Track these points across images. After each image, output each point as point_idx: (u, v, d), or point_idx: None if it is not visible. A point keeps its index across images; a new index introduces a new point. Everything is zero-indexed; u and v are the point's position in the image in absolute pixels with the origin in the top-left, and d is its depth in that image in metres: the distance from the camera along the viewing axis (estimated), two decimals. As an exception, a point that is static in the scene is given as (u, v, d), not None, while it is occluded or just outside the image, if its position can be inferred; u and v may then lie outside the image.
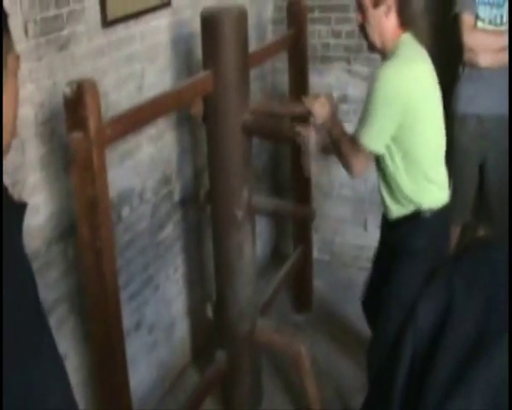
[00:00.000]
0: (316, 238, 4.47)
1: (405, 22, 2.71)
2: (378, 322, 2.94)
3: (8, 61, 1.14)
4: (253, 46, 3.34)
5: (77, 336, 2.75)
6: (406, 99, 2.59)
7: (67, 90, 2.07)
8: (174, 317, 3.54)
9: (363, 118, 2.66)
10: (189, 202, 3.48)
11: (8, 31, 1.14)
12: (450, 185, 3.83)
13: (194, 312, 3.68)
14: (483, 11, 3.53)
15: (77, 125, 2.09)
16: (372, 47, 2.79)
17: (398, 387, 1.01)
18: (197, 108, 2.85)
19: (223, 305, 3.15)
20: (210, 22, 2.72)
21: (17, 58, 1.17)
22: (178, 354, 3.62)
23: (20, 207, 1.15)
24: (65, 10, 2.48)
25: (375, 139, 2.65)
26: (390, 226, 2.91)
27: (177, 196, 3.42)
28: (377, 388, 1.12)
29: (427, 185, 2.78)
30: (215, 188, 2.98)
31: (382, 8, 2.64)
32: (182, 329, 3.63)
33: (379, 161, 2.78)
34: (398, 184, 2.75)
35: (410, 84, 2.61)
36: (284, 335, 3.17)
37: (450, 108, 3.67)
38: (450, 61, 3.78)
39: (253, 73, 3.84)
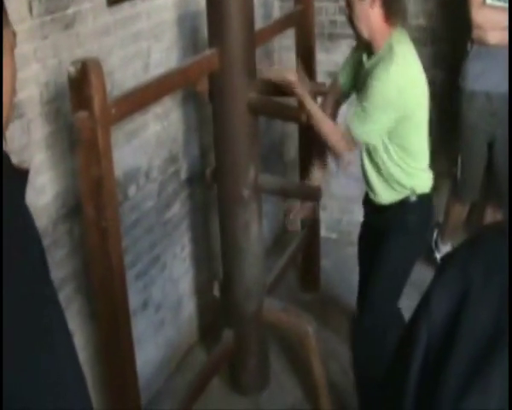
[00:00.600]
0: (323, 217, 4.46)
1: (395, 17, 2.68)
2: (370, 298, 3.03)
3: (5, 36, 1.12)
4: (259, 23, 3.32)
5: (83, 314, 2.75)
6: (405, 103, 2.67)
7: (72, 70, 2.05)
8: (181, 296, 3.54)
9: (360, 111, 2.69)
10: (195, 180, 3.47)
11: (2, 5, 1.12)
12: (458, 163, 3.83)
13: (201, 291, 3.68)
14: None
15: (82, 104, 2.07)
16: (360, 38, 2.78)
17: (411, 381, 0.97)
18: (203, 86, 2.83)
19: (229, 284, 3.15)
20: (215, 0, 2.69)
21: (13, 34, 1.16)
22: (185, 333, 3.62)
23: (23, 174, 1.14)
24: (70, -12, 2.46)
25: (368, 134, 2.73)
26: (379, 210, 2.98)
27: (183, 175, 3.41)
28: (390, 381, 1.08)
29: (420, 173, 2.91)
30: (221, 167, 2.97)
31: (367, 1, 2.63)
32: (189, 308, 3.63)
33: (371, 152, 2.83)
34: (392, 174, 2.82)
35: (410, 90, 2.70)
36: (291, 315, 3.16)
37: (458, 85, 3.68)
38: (458, 37, 3.75)
39: (260, 50, 3.82)
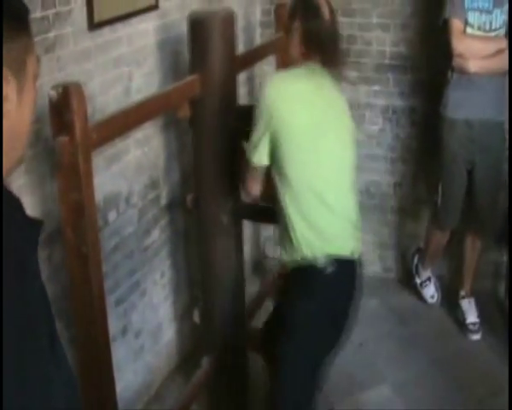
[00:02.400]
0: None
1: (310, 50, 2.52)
2: None
3: (28, 64, 1.10)
4: (241, 49, 3.33)
5: (62, 339, 2.71)
6: (272, 112, 2.43)
7: (53, 94, 2.04)
8: (161, 322, 3.52)
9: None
10: (176, 206, 3.46)
11: (28, 29, 1.10)
12: (438, 190, 3.84)
13: (182, 317, 3.66)
14: (472, 17, 3.54)
15: (62, 129, 2.06)
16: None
17: None
18: (184, 112, 2.83)
19: (209, 311, 3.13)
20: (197, 25, 2.70)
21: (38, 59, 1.14)
22: (165, 359, 3.60)
23: (36, 224, 1.12)
24: (51, 12, 2.45)
25: (254, 153, 2.51)
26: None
27: (164, 201, 3.40)
28: None
29: (311, 228, 2.51)
30: (201, 192, 2.96)
31: (293, 36, 2.55)
32: (168, 334, 3.61)
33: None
34: (283, 221, 2.56)
35: (278, 101, 2.44)
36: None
37: (439, 113, 3.71)
38: (438, 65, 3.78)
39: (242, 76, 3.84)
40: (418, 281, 4.26)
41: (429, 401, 3.44)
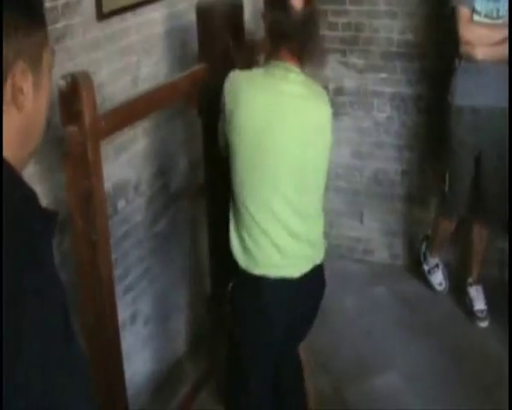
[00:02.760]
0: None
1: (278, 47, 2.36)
2: None
3: (44, 58, 1.12)
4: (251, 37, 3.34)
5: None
6: (226, 101, 2.38)
7: (62, 83, 2.06)
8: (170, 309, 3.55)
9: None
10: (184, 194, 3.48)
11: (44, 23, 1.11)
12: (446, 178, 3.85)
13: (191, 304, 3.69)
14: (480, 4, 3.52)
15: (71, 118, 2.09)
16: None
17: None
18: (193, 101, 2.84)
19: (218, 298, 3.15)
20: (205, 14, 2.72)
21: (52, 52, 1.15)
22: (174, 346, 3.63)
23: (51, 216, 1.12)
24: (60, 2, 2.47)
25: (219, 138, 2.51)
26: None
27: (172, 189, 3.42)
28: None
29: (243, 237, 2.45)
30: (210, 180, 2.98)
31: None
32: (178, 321, 3.64)
33: None
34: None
35: (230, 89, 2.38)
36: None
37: (446, 101, 3.71)
38: (445, 53, 3.78)
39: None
40: (426, 268, 4.27)
41: (436, 388, 3.46)
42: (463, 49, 3.55)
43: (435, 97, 4.02)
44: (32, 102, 1.09)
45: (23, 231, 1.02)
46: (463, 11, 3.51)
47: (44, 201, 2.52)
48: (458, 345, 3.78)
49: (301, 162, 2.35)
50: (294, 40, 2.31)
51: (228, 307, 2.56)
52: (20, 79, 1.06)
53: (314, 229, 2.49)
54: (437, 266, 4.27)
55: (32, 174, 2.45)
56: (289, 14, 2.27)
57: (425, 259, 4.29)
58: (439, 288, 4.26)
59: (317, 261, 2.52)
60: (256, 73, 2.39)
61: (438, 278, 4.26)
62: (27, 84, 1.07)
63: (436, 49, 4.01)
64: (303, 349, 3.05)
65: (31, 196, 1.08)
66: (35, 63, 1.09)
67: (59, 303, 1.06)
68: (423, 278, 4.31)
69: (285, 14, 2.28)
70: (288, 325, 2.56)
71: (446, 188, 3.89)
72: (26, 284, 0.98)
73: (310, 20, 2.32)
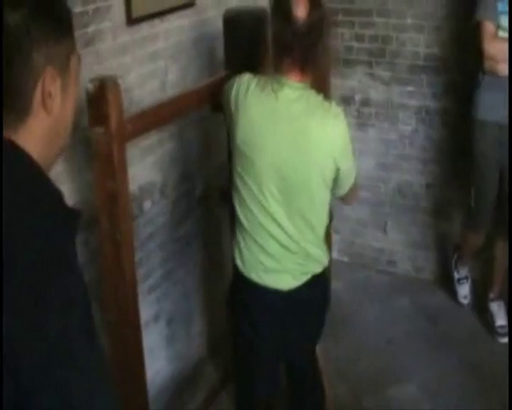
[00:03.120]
0: (336, 239, 4.52)
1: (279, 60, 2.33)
2: None
3: (72, 63, 1.19)
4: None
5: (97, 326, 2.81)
6: (229, 101, 2.41)
7: (90, 87, 2.14)
8: (193, 311, 3.60)
9: None
10: (209, 198, 3.54)
11: (71, 31, 1.20)
12: (471, 193, 3.85)
13: (213, 307, 3.73)
14: (504, 20, 3.51)
15: (99, 120, 2.16)
16: None
17: None
18: (219, 107, 2.88)
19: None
20: (231, 23, 2.78)
21: (79, 58, 1.23)
22: (196, 347, 3.68)
23: (75, 215, 1.19)
24: (91, 8, 2.55)
25: None
26: None
27: (197, 193, 3.48)
28: None
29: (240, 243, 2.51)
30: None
31: None
32: (200, 323, 3.69)
33: None
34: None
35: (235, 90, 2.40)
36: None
37: (470, 115, 3.72)
38: (470, 68, 3.80)
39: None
40: (456, 276, 4.26)
41: (454, 401, 3.47)
42: (487, 64, 3.55)
43: (460, 111, 4.03)
44: (59, 105, 1.17)
45: (48, 230, 1.08)
46: (488, 26, 3.51)
47: (72, 199, 2.60)
48: (478, 360, 3.77)
49: (288, 183, 2.31)
50: (296, 51, 2.24)
51: (227, 308, 2.60)
52: (50, 83, 1.14)
53: (307, 241, 2.43)
54: (466, 278, 4.26)
55: (60, 173, 2.53)
56: (292, 24, 2.19)
57: (456, 267, 4.28)
58: (463, 301, 4.25)
59: (314, 273, 2.50)
60: (257, 84, 2.34)
61: (464, 291, 4.25)
62: (55, 89, 1.15)
63: (462, 63, 4.03)
64: (321, 357, 3.08)
65: (57, 195, 1.15)
66: (63, 69, 1.17)
67: (83, 303, 1.11)
68: (446, 292, 4.32)
69: (288, 24, 2.20)
70: (280, 338, 2.57)
71: (472, 202, 3.88)
72: (52, 284, 1.04)
73: (315, 28, 2.22)
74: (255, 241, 2.40)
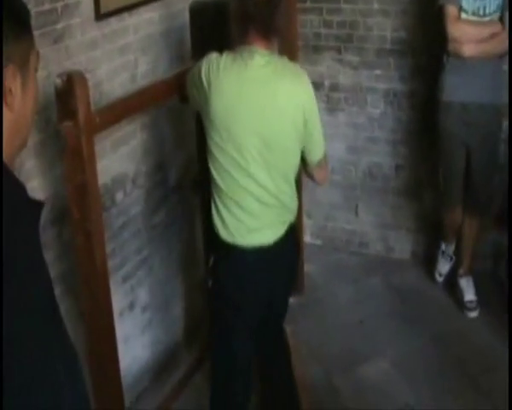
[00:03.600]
0: (308, 223, 4.61)
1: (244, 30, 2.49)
2: None
3: (31, 60, 1.24)
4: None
5: (71, 315, 2.87)
6: (200, 79, 2.48)
7: (58, 81, 2.20)
8: (168, 298, 3.67)
9: None
10: (182, 187, 3.60)
11: (30, 29, 1.24)
12: (440, 173, 3.96)
13: (189, 293, 3.81)
14: (466, 3, 3.61)
15: (67, 114, 2.22)
16: None
17: None
18: (186, 98, 2.95)
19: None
20: (197, 14, 2.84)
21: (37, 54, 1.28)
22: (172, 334, 3.74)
23: (37, 205, 1.24)
24: (59, 4, 2.60)
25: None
26: None
27: (170, 182, 3.55)
28: None
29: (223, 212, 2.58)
30: (203, 173, 3.10)
31: None
32: (176, 310, 3.76)
33: None
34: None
35: (208, 74, 2.47)
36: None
37: (435, 97, 3.82)
38: (436, 50, 3.88)
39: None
40: (442, 249, 4.32)
41: (425, 376, 3.58)
42: (451, 46, 3.63)
43: (427, 93, 4.12)
44: (20, 101, 1.22)
45: (13, 220, 1.13)
46: (451, 9, 3.60)
47: (44, 193, 2.66)
48: (448, 334, 3.89)
49: (267, 142, 2.45)
50: (258, 20, 2.41)
51: (210, 282, 2.67)
52: (10, 81, 1.18)
53: (284, 194, 2.59)
54: (451, 257, 4.33)
55: (32, 168, 2.59)
56: None
57: (441, 243, 4.34)
58: (438, 278, 4.38)
59: (290, 222, 2.66)
60: (226, 58, 2.46)
61: (444, 268, 4.35)
62: (16, 86, 1.20)
63: (428, 46, 4.11)
64: (289, 336, 3.17)
65: (20, 187, 1.20)
66: (23, 66, 1.21)
67: (46, 286, 1.18)
68: (418, 271, 4.44)
69: None
70: (268, 294, 2.70)
71: (441, 181, 4.02)
72: (16, 267, 1.10)
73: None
74: (236, 203, 2.52)
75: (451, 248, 4.31)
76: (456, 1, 3.61)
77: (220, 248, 2.61)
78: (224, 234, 2.56)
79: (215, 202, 2.57)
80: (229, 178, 2.49)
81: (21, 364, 1.07)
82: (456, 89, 3.72)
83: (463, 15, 3.64)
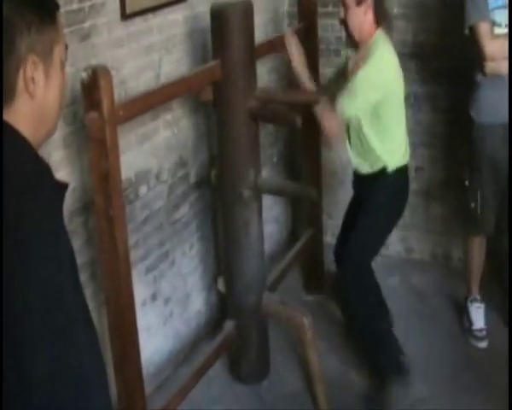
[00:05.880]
0: (330, 224, 4.69)
1: (381, 20, 3.21)
2: (343, 263, 3.49)
3: (55, 51, 1.31)
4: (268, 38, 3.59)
5: (96, 301, 3.00)
6: (386, 85, 3.19)
7: (84, 75, 2.33)
8: (189, 291, 3.79)
9: (348, 92, 3.13)
10: (204, 183, 3.71)
11: (56, 23, 1.31)
12: (477, 197, 3.69)
13: (209, 287, 3.92)
14: (499, 15, 3.38)
15: (92, 106, 2.35)
16: (350, 38, 3.24)
17: None
18: (207, 95, 3.09)
19: (231, 279, 3.39)
20: (218, 15, 2.98)
21: (65, 48, 1.35)
22: (193, 326, 3.86)
23: (62, 187, 1.31)
24: (87, 4, 2.74)
25: (355, 109, 3.18)
26: (359, 181, 3.48)
27: (192, 178, 3.67)
28: None
29: (393, 148, 3.34)
30: (224, 169, 3.23)
31: (363, 7, 3.10)
32: (197, 302, 3.88)
33: (356, 129, 3.31)
34: (370, 147, 3.30)
35: (390, 74, 3.23)
36: (288, 308, 3.38)
37: (470, 117, 3.60)
38: (459, 54, 3.91)
39: (271, 64, 4.10)
40: (468, 299, 4.01)
41: (442, 373, 3.64)
42: (489, 65, 3.38)
43: (449, 96, 4.19)
44: (42, 90, 1.30)
45: (40, 199, 1.21)
46: (484, 26, 3.35)
47: (72, 183, 2.79)
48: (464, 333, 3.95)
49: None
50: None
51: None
52: (32, 69, 1.27)
53: None
54: (478, 301, 3.98)
55: (61, 158, 2.73)
56: None
57: (468, 302, 4.02)
58: (477, 333, 3.89)
59: None
60: (386, 46, 3.22)
61: (478, 319, 3.93)
62: (38, 75, 1.28)
63: (449, 50, 4.16)
64: (307, 329, 3.26)
65: (45, 169, 1.28)
66: (46, 56, 1.29)
67: (67, 261, 1.25)
68: (437, 271, 4.48)
69: None
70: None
71: (478, 206, 3.70)
72: (40, 243, 1.17)
73: None
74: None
75: (478, 293, 3.99)
76: (488, 16, 3.36)
77: (394, 176, 3.41)
78: (400, 160, 3.45)
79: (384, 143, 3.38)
80: (398, 127, 3.45)
81: (41, 337, 1.15)
82: (497, 110, 3.42)
83: (497, 30, 3.39)
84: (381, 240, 3.57)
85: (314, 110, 3.19)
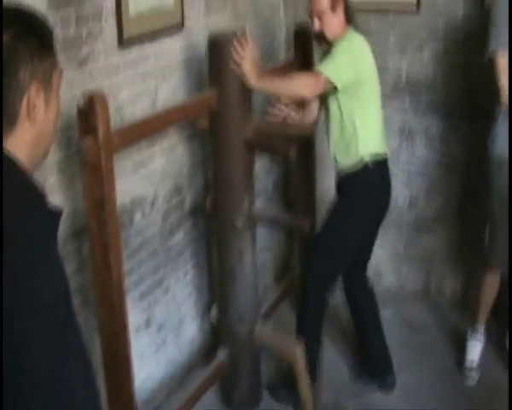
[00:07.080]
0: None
1: (350, 18, 3.33)
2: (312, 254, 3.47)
3: (54, 78, 1.34)
4: (267, 67, 3.61)
5: (89, 328, 2.98)
6: (362, 58, 3.28)
7: (80, 101, 2.34)
8: (183, 318, 3.77)
9: (326, 59, 3.23)
10: (198, 210, 3.72)
11: (53, 49, 1.34)
12: (486, 231, 3.63)
13: (203, 314, 3.91)
14: None
15: (88, 132, 2.36)
16: (325, 42, 3.33)
17: None
18: (203, 123, 3.11)
19: (225, 307, 3.39)
20: (215, 45, 3.00)
21: (60, 73, 1.38)
22: (186, 353, 3.84)
23: (56, 214, 1.31)
24: (84, 30, 2.76)
25: (334, 71, 3.15)
26: (340, 179, 3.50)
27: (187, 205, 3.67)
28: None
29: (371, 131, 3.37)
30: (219, 198, 3.24)
31: (336, 13, 3.23)
32: (190, 330, 3.86)
33: (337, 116, 3.36)
34: (350, 135, 3.34)
35: (364, 52, 3.30)
36: (280, 337, 3.38)
37: (487, 152, 3.54)
38: (451, 86, 3.92)
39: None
40: (470, 331, 3.95)
41: (434, 406, 3.63)
42: (505, 94, 3.29)
43: (443, 128, 4.22)
44: (42, 116, 1.32)
45: (32, 227, 1.22)
46: (502, 58, 3.26)
47: (66, 209, 2.79)
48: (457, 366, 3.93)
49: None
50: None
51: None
52: (34, 97, 1.29)
53: None
54: (480, 335, 3.93)
55: (55, 183, 2.72)
56: None
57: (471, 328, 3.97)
58: (468, 364, 3.87)
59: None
60: (358, 37, 3.30)
61: (474, 353, 3.89)
62: (40, 102, 1.31)
63: (443, 82, 4.19)
64: (299, 358, 3.25)
65: (40, 197, 1.29)
66: (46, 83, 1.32)
67: (62, 290, 1.25)
68: (428, 304, 4.47)
69: None
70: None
71: (487, 240, 3.67)
72: (35, 272, 1.17)
73: None
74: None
75: (482, 329, 3.93)
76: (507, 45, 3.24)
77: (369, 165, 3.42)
78: (381, 151, 3.46)
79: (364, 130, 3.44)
80: (375, 116, 3.46)
81: (38, 366, 1.15)
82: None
83: None
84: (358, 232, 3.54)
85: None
